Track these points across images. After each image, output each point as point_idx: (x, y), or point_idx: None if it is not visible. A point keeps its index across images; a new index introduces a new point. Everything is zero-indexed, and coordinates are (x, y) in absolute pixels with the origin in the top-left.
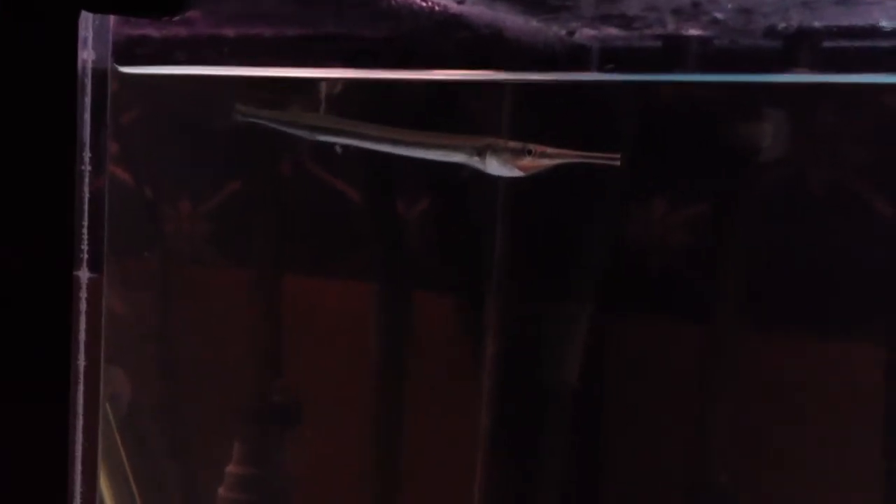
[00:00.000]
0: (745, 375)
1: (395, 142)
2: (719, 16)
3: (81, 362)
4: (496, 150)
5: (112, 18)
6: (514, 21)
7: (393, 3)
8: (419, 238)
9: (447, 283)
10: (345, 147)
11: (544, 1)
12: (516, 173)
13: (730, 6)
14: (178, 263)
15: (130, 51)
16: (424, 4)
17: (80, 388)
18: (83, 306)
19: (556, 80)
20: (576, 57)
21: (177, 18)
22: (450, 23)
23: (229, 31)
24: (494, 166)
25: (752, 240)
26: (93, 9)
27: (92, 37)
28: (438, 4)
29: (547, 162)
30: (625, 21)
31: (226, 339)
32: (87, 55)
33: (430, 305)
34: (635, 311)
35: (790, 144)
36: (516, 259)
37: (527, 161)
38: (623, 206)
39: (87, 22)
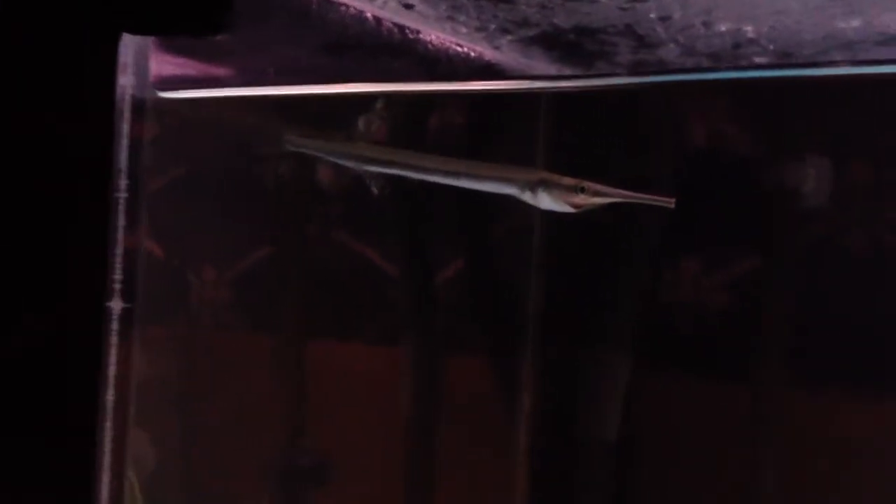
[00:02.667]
0: (792, 436)
1: (445, 172)
2: (760, 60)
3: (110, 397)
4: (548, 186)
5: (152, 46)
6: (546, 70)
7: (430, 48)
8: (451, 297)
9: (480, 342)
10: (379, 192)
11: (581, 46)
12: (567, 209)
13: (772, 48)
14: (202, 328)
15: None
16: (461, 50)
17: (108, 424)
18: (114, 339)
19: (583, 87)
20: None
21: (219, 37)
22: (484, 70)
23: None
24: (546, 202)
25: (797, 295)
26: (135, 31)
27: (132, 62)
28: (475, 50)
29: (600, 200)
30: (660, 67)
31: (253, 402)
32: (126, 81)
33: (463, 364)
34: (676, 367)
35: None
36: (551, 315)
37: (580, 198)
38: (661, 259)
39: (128, 47)
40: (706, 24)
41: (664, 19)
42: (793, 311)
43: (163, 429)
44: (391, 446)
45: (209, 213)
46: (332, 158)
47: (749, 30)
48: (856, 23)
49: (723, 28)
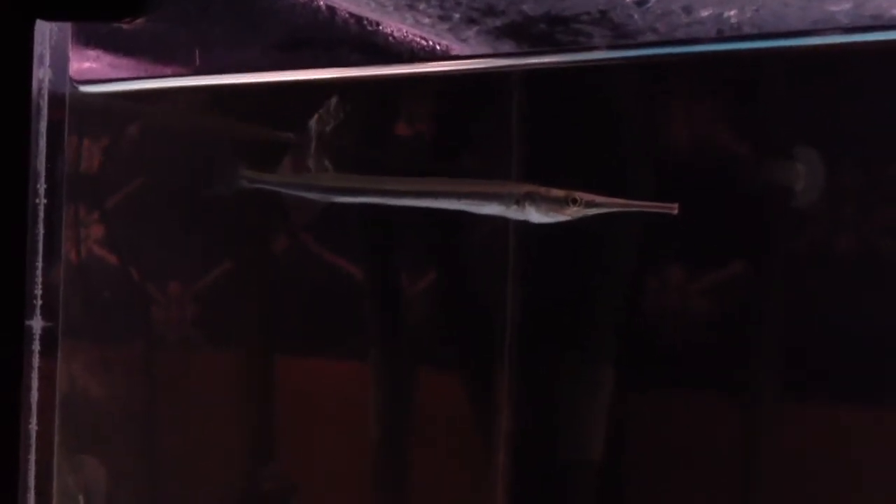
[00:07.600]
0: (787, 452)
1: (421, 194)
2: None
3: (33, 426)
4: (536, 200)
5: (70, 33)
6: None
7: (391, 41)
8: (424, 312)
9: (455, 359)
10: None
11: (552, 37)
12: (561, 219)
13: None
14: (161, 345)
15: None
16: (425, 44)
17: (32, 456)
18: (35, 361)
19: (556, 64)
20: None
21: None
22: None
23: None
24: (535, 216)
25: (790, 301)
26: (48, 16)
27: (49, 53)
28: (440, 44)
29: (594, 211)
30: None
31: (215, 423)
32: (43, 74)
33: (438, 383)
34: (662, 380)
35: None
36: (530, 327)
37: (571, 211)
38: (644, 265)
39: (44, 36)
40: (686, 10)
41: (641, 3)
42: (787, 319)
43: (117, 454)
44: (360, 469)
45: (166, 223)
46: (294, 192)
47: (732, 14)
48: (846, 5)
49: (704, 14)
